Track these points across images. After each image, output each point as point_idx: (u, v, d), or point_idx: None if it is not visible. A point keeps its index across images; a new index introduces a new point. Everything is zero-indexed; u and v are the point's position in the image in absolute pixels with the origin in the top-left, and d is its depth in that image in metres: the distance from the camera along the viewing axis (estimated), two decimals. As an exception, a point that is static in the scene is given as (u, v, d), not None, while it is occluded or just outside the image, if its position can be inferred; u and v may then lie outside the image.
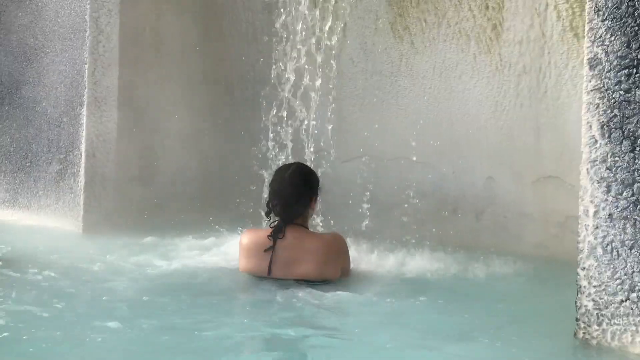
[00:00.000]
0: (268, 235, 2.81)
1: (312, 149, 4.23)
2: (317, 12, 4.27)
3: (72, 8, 4.44)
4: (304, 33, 4.28)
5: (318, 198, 3.00)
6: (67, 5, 4.47)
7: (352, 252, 3.15)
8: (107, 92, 4.40)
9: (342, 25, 4.46)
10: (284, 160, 4.13)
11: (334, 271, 2.79)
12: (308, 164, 4.14)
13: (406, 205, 3.99)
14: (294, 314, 2.47)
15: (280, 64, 4.37)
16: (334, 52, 4.36)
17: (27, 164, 4.82)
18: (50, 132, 4.60)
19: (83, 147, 4.33)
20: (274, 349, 2.13)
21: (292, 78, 4.30)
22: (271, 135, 4.28)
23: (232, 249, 3.40)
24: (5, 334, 2.09)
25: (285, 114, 4.31)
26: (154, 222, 4.45)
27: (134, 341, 2.13)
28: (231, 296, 2.79)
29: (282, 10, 4.39)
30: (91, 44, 4.31)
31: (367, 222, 3.85)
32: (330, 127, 4.35)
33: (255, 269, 2.82)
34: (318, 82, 4.29)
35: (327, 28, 4.29)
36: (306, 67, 4.26)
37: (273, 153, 4.29)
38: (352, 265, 2.99)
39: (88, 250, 3.51)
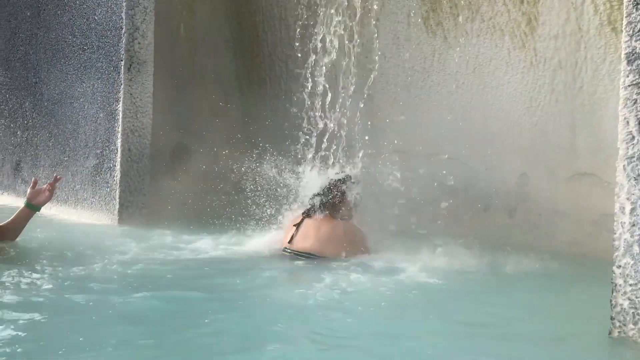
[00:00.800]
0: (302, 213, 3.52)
1: (343, 144, 4.24)
2: (349, 8, 4.27)
3: (108, 6, 4.53)
4: (336, 29, 4.28)
5: (351, 203, 3.54)
6: (103, 3, 4.57)
7: (381, 247, 3.37)
8: (143, 89, 4.48)
9: (374, 20, 4.45)
10: (313, 155, 4.16)
11: (333, 250, 3.31)
12: (339, 159, 4.16)
13: (437, 201, 3.97)
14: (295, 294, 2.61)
15: (313, 59, 4.38)
16: (366, 48, 4.35)
17: (65, 159, 4.94)
18: (87, 127, 4.71)
19: (119, 142, 4.42)
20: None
21: (324, 74, 4.31)
22: (302, 133, 4.30)
23: (264, 242, 3.56)
24: (50, 323, 2.16)
25: (317, 109, 4.33)
26: (188, 215, 4.53)
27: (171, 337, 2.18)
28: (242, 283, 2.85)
29: (314, 6, 4.40)
30: (127, 41, 4.40)
31: (397, 217, 3.84)
32: (361, 122, 4.34)
33: (284, 240, 3.48)
34: (350, 78, 4.29)
35: (359, 23, 4.28)
36: (340, 62, 4.27)
37: (305, 147, 4.31)
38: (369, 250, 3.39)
39: (124, 243, 3.59)
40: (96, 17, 4.64)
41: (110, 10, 4.52)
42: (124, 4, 4.39)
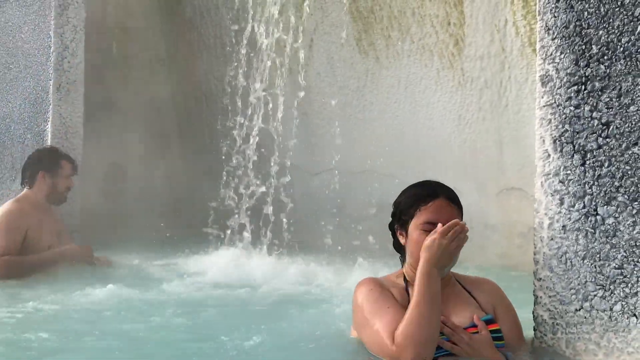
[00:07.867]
0: None
1: (283, 163, 4.25)
2: (284, 28, 4.31)
3: (35, 24, 4.40)
4: (272, 48, 4.31)
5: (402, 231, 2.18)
6: (30, 21, 4.44)
7: (319, 265, 3.30)
8: (73, 109, 4.37)
9: (309, 40, 4.50)
10: (248, 172, 4.15)
11: None
12: (276, 177, 4.17)
13: (373, 218, 4.03)
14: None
15: (249, 78, 4.39)
16: (301, 68, 4.39)
17: (-9, 182, 4.74)
18: (14, 148, 4.55)
19: (48, 163, 4.27)
20: None
21: (261, 93, 4.33)
22: (238, 149, 4.30)
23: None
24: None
25: (254, 128, 4.33)
26: (121, 239, 4.42)
27: None
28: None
29: (250, 25, 4.42)
30: (56, 60, 4.29)
31: (334, 234, 3.88)
32: (298, 140, 4.37)
33: None
34: (286, 97, 4.32)
35: (294, 43, 4.33)
36: (275, 82, 4.29)
37: (240, 163, 4.30)
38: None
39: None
40: (22, 35, 4.51)
41: (38, 28, 4.40)
42: (52, 22, 4.29)
